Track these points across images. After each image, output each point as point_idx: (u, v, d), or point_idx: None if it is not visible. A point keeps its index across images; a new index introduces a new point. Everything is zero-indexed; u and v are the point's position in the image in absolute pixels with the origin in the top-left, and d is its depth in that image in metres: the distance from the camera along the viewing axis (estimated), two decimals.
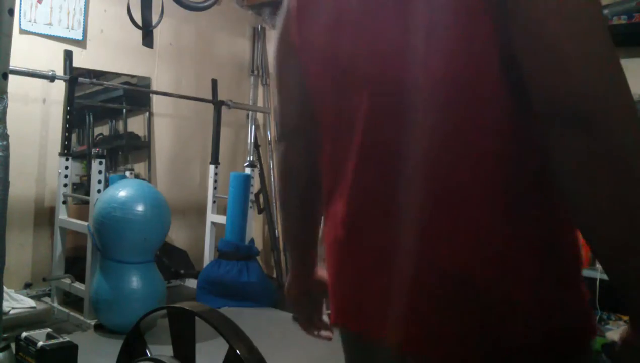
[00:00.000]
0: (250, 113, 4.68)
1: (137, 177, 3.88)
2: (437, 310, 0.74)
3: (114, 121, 3.97)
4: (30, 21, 3.35)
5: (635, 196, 0.61)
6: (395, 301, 0.78)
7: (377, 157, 0.80)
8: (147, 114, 4.10)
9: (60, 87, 3.38)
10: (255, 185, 4.22)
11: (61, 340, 2.19)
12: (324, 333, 1.07)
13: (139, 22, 2.91)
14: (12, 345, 2.09)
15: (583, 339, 0.78)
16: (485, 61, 0.70)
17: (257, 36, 4.74)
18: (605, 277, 2.64)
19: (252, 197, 3.99)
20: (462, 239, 0.72)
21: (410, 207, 0.76)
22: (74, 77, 3.31)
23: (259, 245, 4.33)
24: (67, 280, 3.24)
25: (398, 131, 0.76)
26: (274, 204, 4.58)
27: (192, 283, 3.97)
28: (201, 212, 4.21)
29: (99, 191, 3.06)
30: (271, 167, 4.67)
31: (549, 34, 0.63)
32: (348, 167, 0.83)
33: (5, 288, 2.44)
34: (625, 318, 2.64)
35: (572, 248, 0.76)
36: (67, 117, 3.28)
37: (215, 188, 4.11)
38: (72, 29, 3.55)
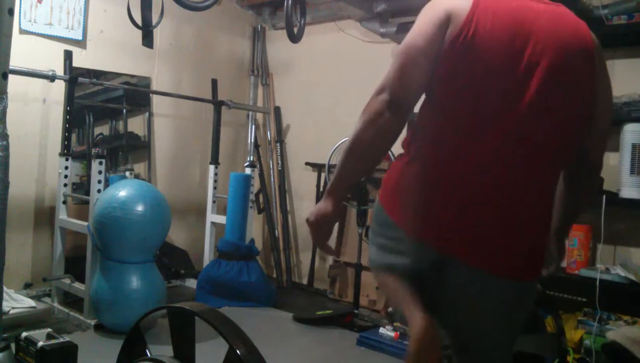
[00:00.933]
0: (250, 113, 4.68)
1: (137, 177, 3.88)
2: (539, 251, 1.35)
3: (114, 121, 3.97)
4: (30, 21, 3.35)
5: None
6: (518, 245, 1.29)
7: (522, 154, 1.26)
8: (147, 114, 4.10)
9: (60, 87, 3.38)
10: (255, 185, 4.22)
11: (61, 340, 2.19)
12: (331, 251, 1.55)
13: (139, 22, 2.90)
14: (12, 345, 2.09)
15: None
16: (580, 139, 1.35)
17: (257, 36, 4.74)
18: (605, 277, 2.63)
19: (252, 197, 3.99)
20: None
21: (531, 198, 1.29)
22: (74, 77, 3.31)
23: (259, 245, 4.33)
24: (67, 280, 3.24)
25: (536, 157, 1.28)
26: (274, 204, 4.58)
27: (192, 283, 3.97)
28: (201, 212, 4.20)
29: (99, 191, 3.06)
30: (271, 166, 4.68)
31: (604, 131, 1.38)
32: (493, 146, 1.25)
33: (5, 288, 2.44)
34: (626, 318, 2.64)
35: None
36: (67, 117, 3.28)
37: (215, 188, 4.11)
38: (72, 29, 3.55)
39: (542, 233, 1.35)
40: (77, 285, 3.19)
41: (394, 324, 3.06)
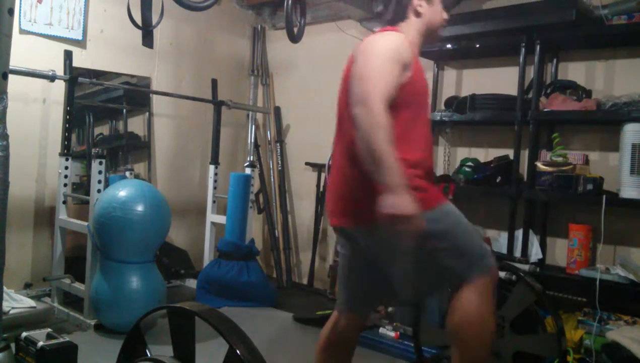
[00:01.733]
0: (250, 113, 4.68)
1: (137, 177, 3.88)
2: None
3: (114, 121, 3.97)
4: (30, 21, 3.35)
5: None
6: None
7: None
8: (147, 114, 4.10)
9: (60, 87, 3.38)
10: (255, 185, 4.22)
11: (61, 340, 2.19)
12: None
13: (139, 22, 2.90)
14: (12, 345, 2.09)
15: None
16: None
17: (257, 36, 4.74)
18: (605, 277, 2.63)
19: (252, 197, 3.99)
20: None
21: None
22: (74, 77, 3.31)
23: (259, 245, 4.33)
24: (67, 280, 3.24)
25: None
26: (274, 204, 4.58)
27: (192, 283, 3.97)
28: (201, 212, 4.21)
29: (99, 191, 3.06)
30: (271, 166, 4.68)
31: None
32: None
33: (5, 288, 2.44)
34: (626, 318, 2.64)
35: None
36: (67, 117, 3.28)
37: (215, 188, 4.11)
38: (72, 29, 3.55)
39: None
40: (77, 285, 3.19)
41: (394, 324, 3.05)
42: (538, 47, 2.95)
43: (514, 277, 2.57)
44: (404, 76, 1.69)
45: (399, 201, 1.52)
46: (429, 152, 1.89)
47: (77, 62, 3.50)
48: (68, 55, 3.36)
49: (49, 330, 2.27)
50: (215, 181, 4.10)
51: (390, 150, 1.55)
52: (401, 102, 1.69)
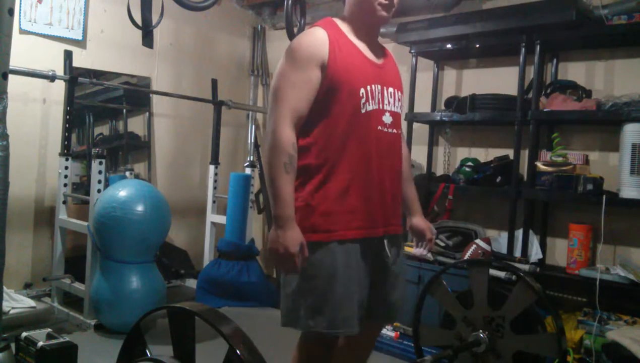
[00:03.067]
0: (250, 113, 4.68)
1: (137, 177, 3.88)
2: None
3: (114, 121, 3.97)
4: (30, 21, 3.35)
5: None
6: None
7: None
8: (147, 114, 4.10)
9: (60, 87, 3.38)
10: (255, 185, 4.22)
11: (61, 340, 2.19)
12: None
13: (139, 22, 2.90)
14: (12, 345, 2.09)
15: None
16: None
17: (257, 36, 4.74)
18: (605, 277, 2.63)
19: (252, 197, 3.99)
20: None
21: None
22: (74, 77, 3.31)
23: (259, 245, 4.33)
24: (67, 280, 3.24)
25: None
26: None
27: (192, 283, 3.97)
28: (201, 212, 4.20)
29: (99, 191, 3.06)
30: None
31: None
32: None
33: (5, 288, 2.44)
34: (626, 318, 2.64)
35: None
36: (67, 117, 3.28)
37: (215, 188, 4.10)
38: (72, 29, 3.55)
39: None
40: (77, 285, 3.19)
41: (394, 324, 3.05)
42: (538, 47, 2.94)
43: (514, 277, 2.57)
44: (317, 79, 1.58)
45: (282, 237, 1.50)
46: (370, 169, 1.64)
47: (77, 62, 3.50)
48: (68, 55, 3.36)
49: (49, 330, 2.26)
50: (215, 181, 4.10)
51: (284, 180, 1.52)
52: (321, 109, 1.60)
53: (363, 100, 1.62)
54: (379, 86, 1.67)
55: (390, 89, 1.71)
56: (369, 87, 1.63)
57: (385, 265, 1.72)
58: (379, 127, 1.66)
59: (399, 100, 1.75)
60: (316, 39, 1.61)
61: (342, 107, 1.60)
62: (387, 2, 1.68)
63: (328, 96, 1.59)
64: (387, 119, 1.68)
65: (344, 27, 1.73)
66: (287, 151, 1.53)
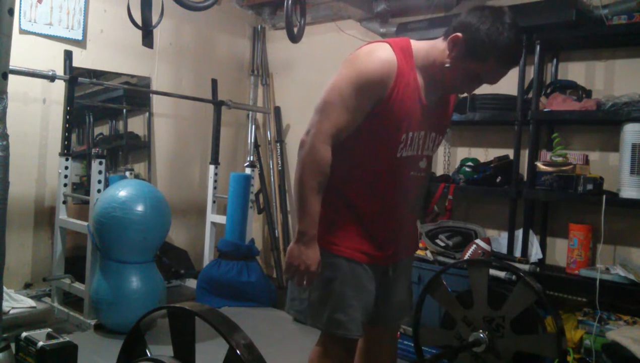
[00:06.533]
0: (250, 113, 4.68)
1: (137, 177, 3.88)
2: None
3: (114, 121, 3.97)
4: (30, 21, 3.35)
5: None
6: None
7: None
8: (147, 114, 4.10)
9: (60, 87, 3.38)
10: (255, 185, 4.22)
11: (61, 340, 2.19)
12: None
13: (139, 22, 2.90)
14: (12, 345, 2.09)
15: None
16: None
17: (257, 36, 4.74)
18: (605, 277, 2.63)
19: (252, 197, 3.99)
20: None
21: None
22: (74, 77, 3.31)
23: (259, 245, 4.33)
24: (67, 280, 3.24)
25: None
26: (274, 204, 4.58)
27: (192, 283, 3.97)
28: (201, 212, 4.20)
29: (99, 191, 3.06)
30: (271, 166, 4.67)
31: None
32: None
33: (5, 288, 2.44)
34: (626, 318, 2.64)
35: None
36: (67, 117, 3.28)
37: (215, 188, 4.10)
38: (72, 29, 3.55)
39: None
40: (77, 285, 3.19)
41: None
42: (538, 47, 2.94)
43: (514, 277, 2.57)
44: (370, 108, 1.51)
45: (304, 254, 1.50)
46: (393, 213, 1.64)
47: (77, 62, 3.50)
48: (68, 55, 3.36)
49: (49, 330, 2.27)
50: (215, 181, 4.10)
51: (316, 200, 1.50)
52: (365, 138, 1.55)
53: (401, 146, 1.56)
54: (423, 133, 1.60)
55: (433, 134, 1.64)
56: (411, 134, 1.56)
57: (389, 273, 1.74)
58: (412, 173, 1.63)
59: (438, 144, 1.70)
60: (384, 67, 1.49)
61: (378, 145, 1.56)
62: (469, 90, 1.62)
63: (368, 126, 1.54)
64: (422, 164, 1.65)
65: (419, 59, 1.55)
66: (325, 171, 1.51)
